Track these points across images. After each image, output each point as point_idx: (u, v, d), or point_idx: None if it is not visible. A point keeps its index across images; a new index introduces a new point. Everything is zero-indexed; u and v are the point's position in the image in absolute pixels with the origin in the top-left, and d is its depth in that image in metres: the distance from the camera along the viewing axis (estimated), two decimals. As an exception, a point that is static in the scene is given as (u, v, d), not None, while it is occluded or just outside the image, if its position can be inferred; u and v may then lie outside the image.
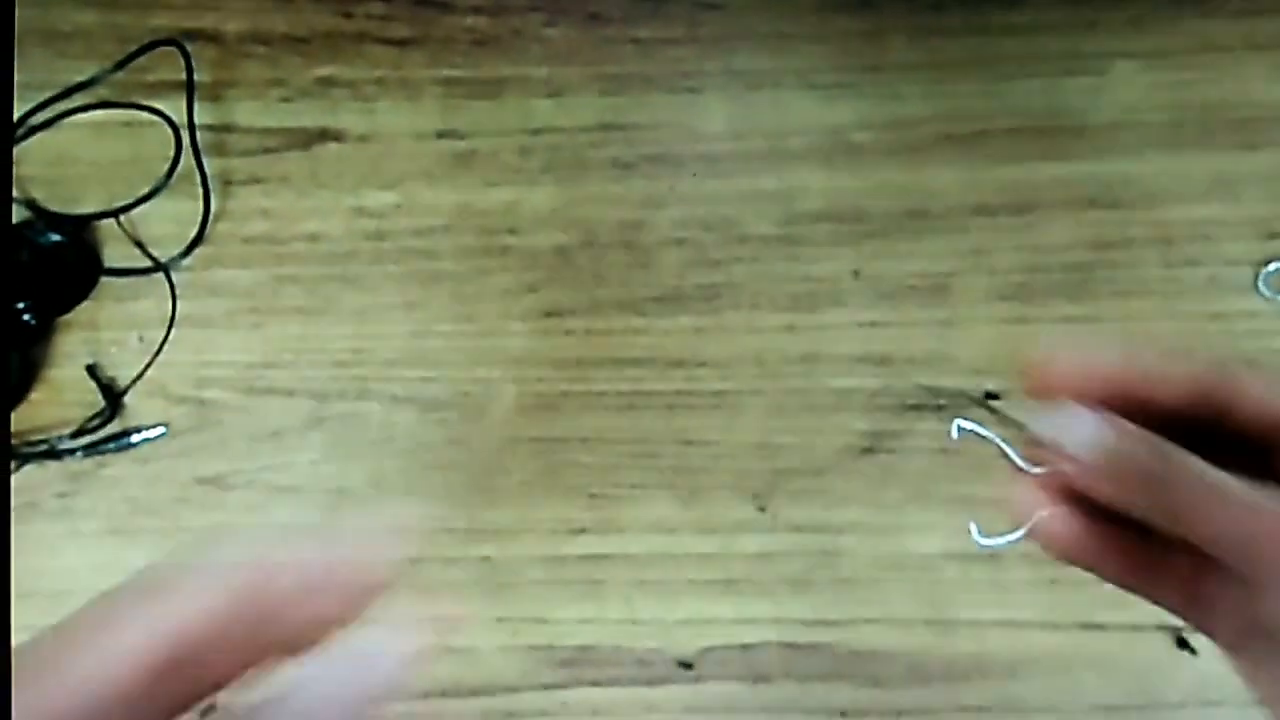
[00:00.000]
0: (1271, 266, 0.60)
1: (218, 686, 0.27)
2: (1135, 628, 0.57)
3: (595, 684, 0.58)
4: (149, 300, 0.62)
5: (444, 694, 0.58)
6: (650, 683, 0.58)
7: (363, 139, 0.63)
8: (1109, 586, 0.57)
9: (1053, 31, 0.63)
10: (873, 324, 0.61)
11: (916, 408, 0.60)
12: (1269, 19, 0.62)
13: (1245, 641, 0.33)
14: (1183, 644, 0.57)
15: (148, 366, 0.61)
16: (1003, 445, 0.59)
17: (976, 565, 0.58)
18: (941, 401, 0.59)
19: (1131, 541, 0.35)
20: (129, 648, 0.25)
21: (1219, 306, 0.60)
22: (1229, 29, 0.62)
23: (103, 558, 0.59)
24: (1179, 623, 0.57)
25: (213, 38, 0.63)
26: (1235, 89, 0.62)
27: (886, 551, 0.58)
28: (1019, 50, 0.63)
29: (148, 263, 0.62)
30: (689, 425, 0.60)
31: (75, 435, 0.60)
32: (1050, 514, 0.35)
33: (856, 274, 0.61)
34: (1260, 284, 0.60)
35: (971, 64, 0.63)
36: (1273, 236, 0.61)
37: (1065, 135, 0.62)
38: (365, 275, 0.62)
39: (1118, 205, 0.61)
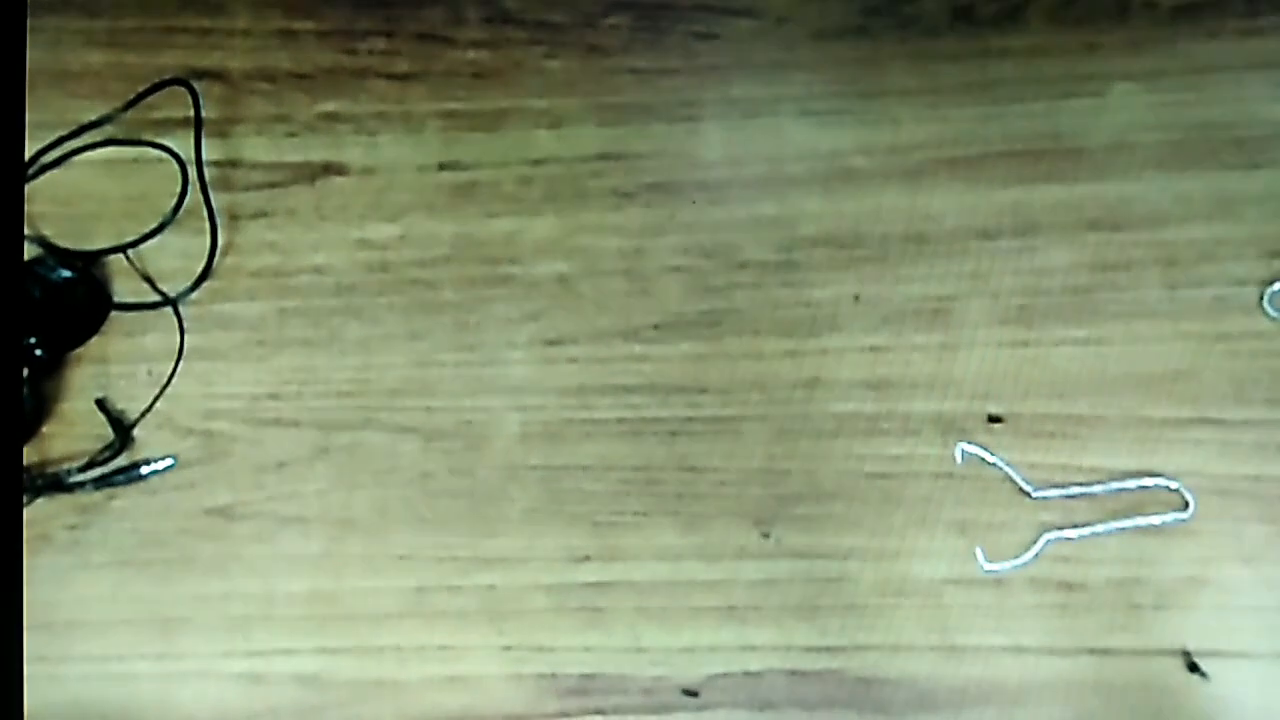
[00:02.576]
0: (1277, 286, 0.60)
1: None
2: (1144, 652, 0.57)
3: (600, 712, 0.58)
4: (157, 334, 0.63)
5: (449, 723, 0.58)
6: (655, 711, 0.58)
7: (366, 172, 0.64)
8: (1118, 611, 0.56)
9: (1051, 54, 0.63)
10: (873, 348, 0.61)
11: (917, 432, 0.60)
12: (1267, 39, 0.62)
13: None
14: (1194, 668, 0.57)
15: (156, 399, 0.62)
16: (1007, 469, 0.59)
17: (982, 590, 0.58)
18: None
19: None
20: None
21: (1224, 327, 0.60)
22: (1228, 49, 0.62)
23: (112, 589, 0.60)
24: (1190, 647, 0.56)
25: (219, 76, 0.64)
26: (1235, 109, 0.62)
27: (891, 577, 0.58)
28: (1017, 73, 0.63)
29: (156, 297, 0.63)
30: (691, 452, 0.60)
31: (85, 468, 0.61)
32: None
33: (857, 299, 0.61)
34: (1266, 303, 0.60)
35: (969, 88, 0.63)
36: (1277, 255, 0.60)
37: (1065, 157, 0.62)
38: (369, 306, 0.63)
39: (1119, 227, 0.61)
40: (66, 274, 0.63)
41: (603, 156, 0.63)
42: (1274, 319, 0.60)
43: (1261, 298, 0.60)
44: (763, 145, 0.63)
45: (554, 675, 0.58)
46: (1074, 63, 0.63)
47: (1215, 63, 0.62)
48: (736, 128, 0.63)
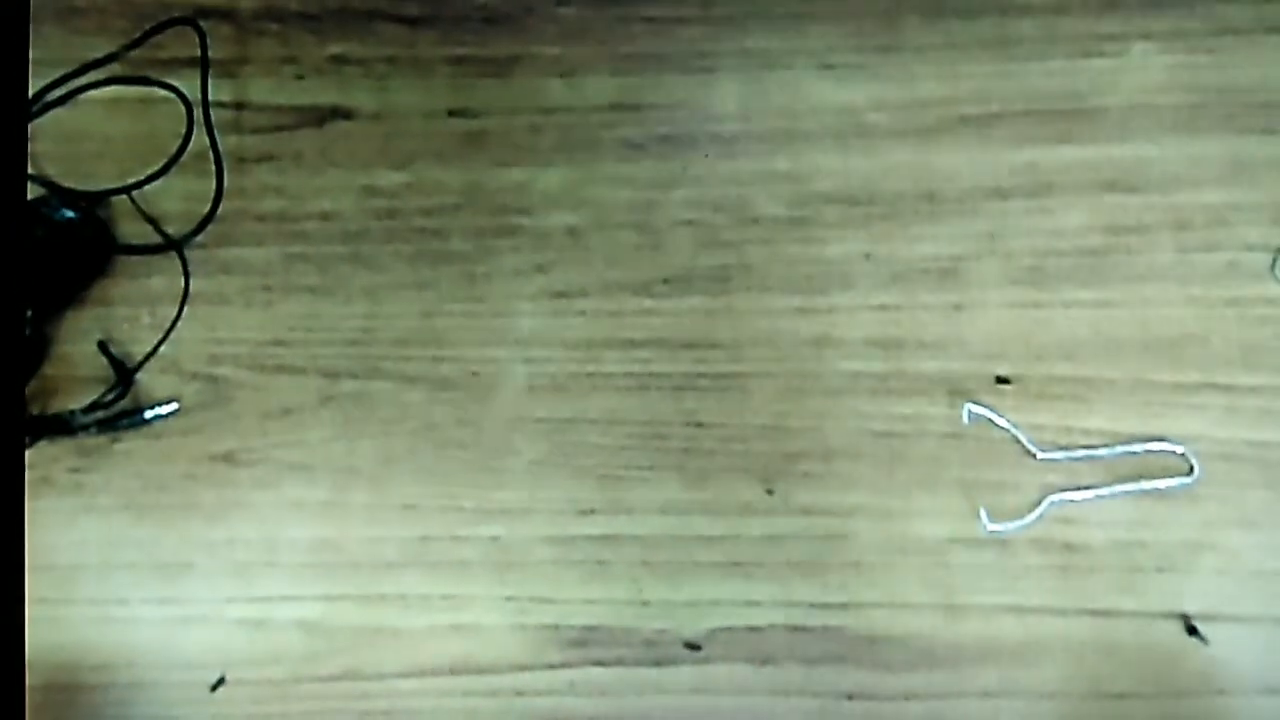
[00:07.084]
0: (1289, 252, 0.60)
1: None
2: (1145, 615, 0.57)
3: (602, 664, 0.58)
4: (161, 277, 0.62)
5: (451, 671, 0.58)
6: (657, 663, 0.58)
7: (374, 117, 0.63)
8: (1120, 573, 0.56)
9: (1070, 13, 0.62)
10: (883, 307, 0.60)
11: (925, 391, 0.60)
12: (1290, 1, 0.61)
13: None
14: (1193, 631, 0.57)
15: (160, 343, 0.61)
16: (1013, 430, 0.59)
17: (985, 550, 0.58)
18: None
19: None
20: None
21: (1235, 292, 0.60)
22: (1247, 12, 0.61)
23: (115, 533, 0.60)
24: (1190, 610, 0.57)
25: (226, 15, 0.63)
26: (1253, 72, 0.61)
27: (894, 535, 0.58)
28: (1035, 32, 0.62)
29: (160, 240, 0.62)
30: (698, 407, 0.60)
31: (88, 411, 0.61)
32: None
33: (868, 256, 0.61)
34: (1277, 270, 0.60)
35: (987, 45, 0.62)
36: (1291, 222, 0.60)
37: (1081, 118, 0.61)
38: (376, 254, 0.62)
39: (1133, 189, 0.61)
40: (70, 214, 0.62)
41: (615, 107, 0.62)
42: (1285, 286, 0.60)
43: (1273, 264, 0.60)
44: (777, 99, 0.62)
45: (557, 627, 0.58)
46: (1093, 21, 0.62)
47: (1234, 25, 0.62)
48: (751, 80, 0.62)
